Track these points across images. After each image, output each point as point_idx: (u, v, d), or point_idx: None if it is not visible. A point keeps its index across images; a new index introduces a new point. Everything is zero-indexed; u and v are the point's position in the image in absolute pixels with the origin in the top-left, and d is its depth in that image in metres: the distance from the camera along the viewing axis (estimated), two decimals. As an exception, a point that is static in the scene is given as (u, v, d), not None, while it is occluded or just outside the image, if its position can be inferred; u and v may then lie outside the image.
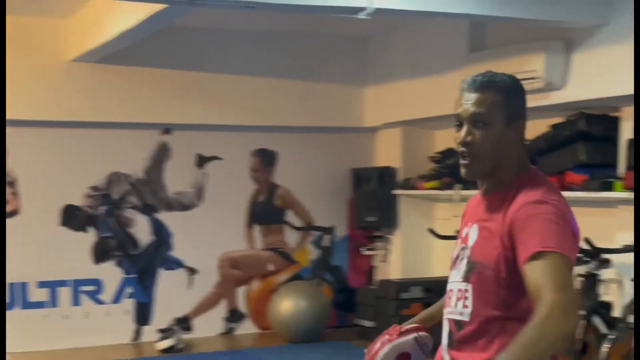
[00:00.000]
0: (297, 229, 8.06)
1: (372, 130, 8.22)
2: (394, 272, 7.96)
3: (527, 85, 6.04)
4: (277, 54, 7.74)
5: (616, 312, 5.57)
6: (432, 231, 6.97)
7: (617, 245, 5.50)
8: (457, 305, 2.30)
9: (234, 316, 7.92)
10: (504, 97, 2.25)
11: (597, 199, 5.92)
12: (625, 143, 5.57)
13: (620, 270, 5.68)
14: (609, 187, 5.56)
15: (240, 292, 7.95)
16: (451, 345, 2.33)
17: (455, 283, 2.33)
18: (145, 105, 7.32)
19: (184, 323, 7.71)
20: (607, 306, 5.54)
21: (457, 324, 2.30)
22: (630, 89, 5.33)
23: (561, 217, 2.14)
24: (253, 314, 7.96)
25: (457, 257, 2.35)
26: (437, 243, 7.55)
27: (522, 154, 2.30)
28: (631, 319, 5.22)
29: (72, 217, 7.31)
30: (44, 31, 6.89)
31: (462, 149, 2.27)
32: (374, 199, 7.88)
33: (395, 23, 7.23)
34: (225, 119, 7.62)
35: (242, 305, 7.95)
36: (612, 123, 5.89)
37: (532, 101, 6.28)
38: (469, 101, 2.25)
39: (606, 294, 5.63)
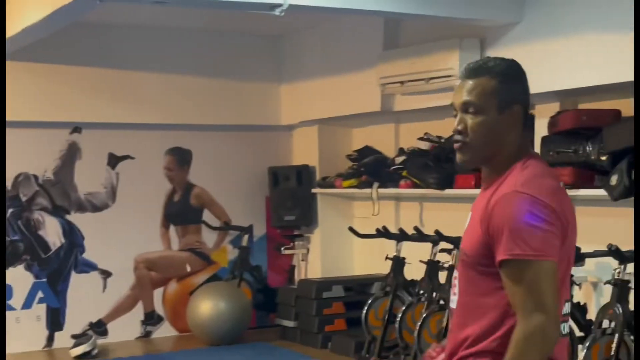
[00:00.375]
0: (214, 228, 7.93)
1: (289, 128, 8.17)
2: (314, 272, 7.91)
3: (442, 83, 6.12)
4: (191, 51, 7.60)
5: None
6: (352, 230, 6.93)
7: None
8: (453, 292, 2.33)
9: (151, 319, 7.74)
10: (496, 83, 2.21)
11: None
12: (539, 140, 5.62)
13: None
14: (524, 184, 5.59)
15: (157, 294, 7.77)
16: (450, 332, 2.34)
17: (455, 272, 2.35)
18: (54, 104, 7.07)
19: (98, 328, 7.50)
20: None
21: (451, 312, 2.33)
22: (543, 87, 5.40)
23: (534, 211, 2.07)
24: (171, 317, 7.80)
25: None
26: (357, 241, 7.54)
27: (520, 140, 2.25)
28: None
29: (-22, 221, 7.02)
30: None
31: (455, 136, 2.27)
32: (292, 198, 7.83)
33: (309, 20, 7.17)
34: (138, 117, 7.43)
35: (159, 308, 7.77)
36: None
37: (446, 99, 6.36)
38: (462, 89, 2.24)
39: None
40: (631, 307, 4.75)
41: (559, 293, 2.09)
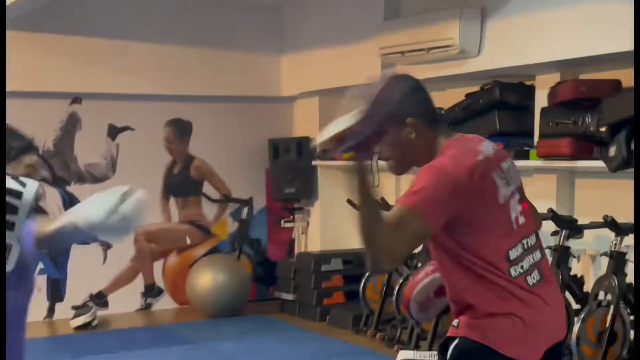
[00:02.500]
0: (214, 201, 7.91)
1: (290, 99, 8.13)
2: (314, 245, 7.90)
3: (442, 54, 6.04)
4: (192, 22, 7.57)
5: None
6: (350, 202, 6.88)
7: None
8: None
9: (151, 291, 7.76)
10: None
11: (512, 168, 5.92)
12: (539, 111, 5.56)
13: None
14: (524, 156, 5.55)
15: (157, 266, 7.78)
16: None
17: None
18: (53, 74, 7.05)
19: (99, 299, 7.52)
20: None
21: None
22: (543, 57, 5.34)
23: (430, 172, 2.40)
24: (171, 289, 7.81)
25: None
26: (356, 214, 7.49)
27: (430, 139, 2.54)
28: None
29: (-22, 192, 7.02)
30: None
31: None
32: (293, 170, 7.79)
33: (310, -10, 7.12)
34: (138, 88, 7.41)
35: (159, 280, 7.79)
36: (528, 92, 5.89)
37: (447, 69, 6.29)
38: None
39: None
40: (628, 279, 4.71)
41: (410, 246, 2.41)
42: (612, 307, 4.56)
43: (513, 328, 2.44)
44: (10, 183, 1.89)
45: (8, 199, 1.89)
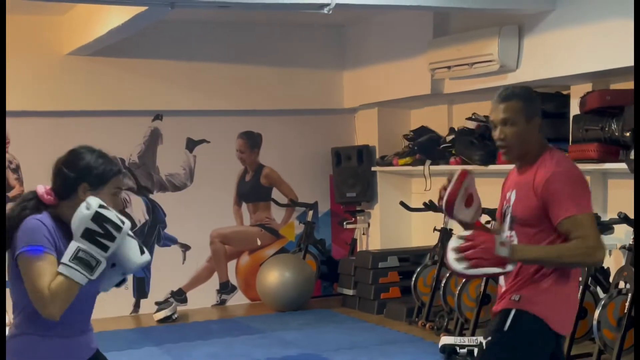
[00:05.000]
0: (282, 205, 8.53)
1: (351, 111, 8.70)
2: (374, 244, 8.46)
3: (484, 68, 6.55)
4: (261, 43, 8.20)
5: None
6: (403, 204, 7.46)
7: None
8: None
9: (226, 288, 8.46)
10: (522, 103, 3.06)
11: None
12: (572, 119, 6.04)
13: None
14: (558, 160, 6.03)
15: (231, 266, 8.47)
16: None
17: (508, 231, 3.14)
18: (137, 94, 7.80)
19: (179, 295, 8.24)
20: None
21: None
22: (575, 69, 5.82)
23: (574, 180, 2.96)
24: (243, 286, 8.49)
25: (504, 213, 3.18)
26: (414, 215, 8.04)
27: (540, 139, 3.11)
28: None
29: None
30: (40, 28, 7.36)
31: (499, 143, 3.12)
32: (354, 176, 8.36)
33: (367, 11, 7.68)
34: (213, 104, 8.09)
35: (232, 278, 8.48)
36: (563, 100, 6.37)
37: (489, 82, 6.81)
38: (498, 109, 3.08)
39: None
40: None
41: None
42: (629, 295, 5.02)
43: (567, 307, 3.05)
44: (113, 216, 2.39)
45: (110, 228, 2.39)
